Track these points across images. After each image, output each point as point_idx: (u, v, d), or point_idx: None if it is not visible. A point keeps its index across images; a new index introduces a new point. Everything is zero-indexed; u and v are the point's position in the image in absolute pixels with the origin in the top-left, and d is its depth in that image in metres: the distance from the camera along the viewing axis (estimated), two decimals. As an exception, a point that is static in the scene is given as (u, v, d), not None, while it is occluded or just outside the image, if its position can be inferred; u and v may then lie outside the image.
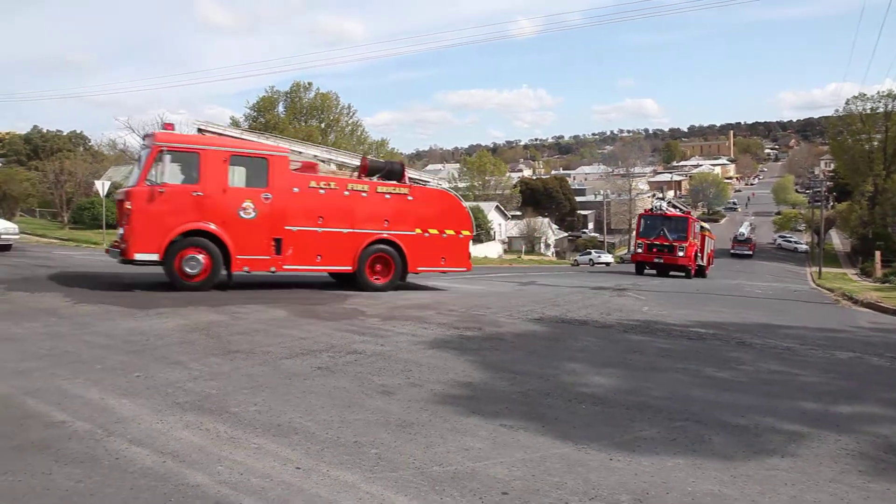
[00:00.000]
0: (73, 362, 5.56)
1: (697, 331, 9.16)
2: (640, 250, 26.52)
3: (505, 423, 4.52)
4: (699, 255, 27.52)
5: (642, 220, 27.27)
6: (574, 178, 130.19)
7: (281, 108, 66.24)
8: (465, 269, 13.22)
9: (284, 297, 10.78)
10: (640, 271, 26.49)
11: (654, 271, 26.33)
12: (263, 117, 63.97)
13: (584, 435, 4.36)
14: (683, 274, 25.40)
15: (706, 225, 33.66)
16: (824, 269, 40.18)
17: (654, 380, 5.98)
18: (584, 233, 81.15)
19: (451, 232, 12.93)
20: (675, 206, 29.04)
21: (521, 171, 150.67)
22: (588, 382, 5.78)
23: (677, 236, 25.66)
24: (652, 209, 27.66)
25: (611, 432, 4.43)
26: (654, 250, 25.90)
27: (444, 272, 13.32)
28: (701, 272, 27.83)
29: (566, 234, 77.01)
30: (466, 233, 13.10)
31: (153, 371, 5.38)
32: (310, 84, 65.99)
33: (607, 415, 4.83)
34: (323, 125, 66.25)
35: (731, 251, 57.01)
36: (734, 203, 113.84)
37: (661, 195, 38.32)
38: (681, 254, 25.37)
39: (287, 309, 9.15)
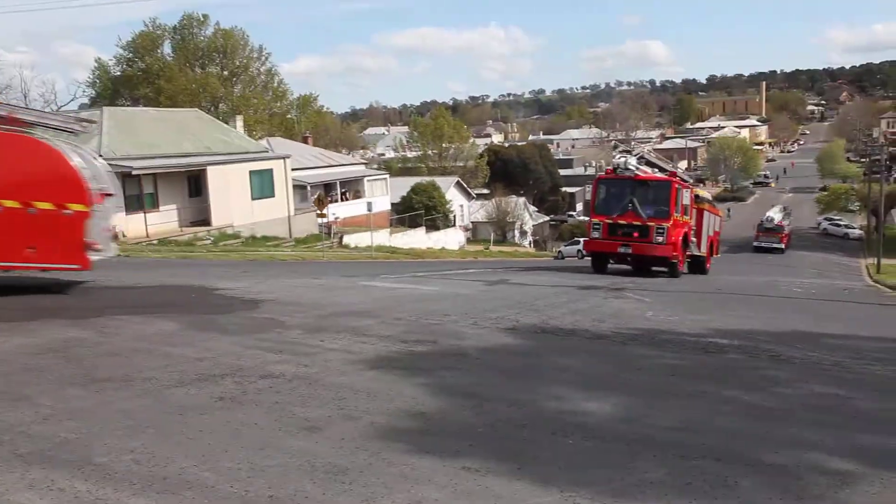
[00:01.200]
0: None
1: (717, 342, 9.30)
2: (596, 234, 22.10)
3: (469, 464, 4.51)
4: (691, 240, 23.81)
5: (600, 188, 22.80)
6: (558, 146, 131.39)
7: (168, 49, 64.85)
8: (76, 266, 10.66)
9: (175, 301, 10.57)
10: (599, 268, 22.68)
11: (626, 266, 22.91)
12: (143, 60, 62.52)
13: (573, 479, 4.37)
14: (666, 270, 21.93)
15: (706, 194, 30.03)
16: (884, 261, 40.48)
17: (661, 406, 6.05)
18: (571, 216, 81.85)
19: (45, 206, 10.26)
20: (651, 165, 24.06)
21: (488, 136, 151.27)
22: (576, 410, 5.81)
23: (655, 211, 21.45)
24: (615, 169, 22.54)
25: (607, 475, 4.46)
26: (619, 234, 21.63)
27: (38, 269, 10.79)
28: (698, 266, 24.82)
29: (547, 219, 77.56)
30: (78, 207, 10.38)
31: (-9, 406, 5.21)
32: (206, 17, 64.73)
33: (602, 452, 4.86)
34: (226, 73, 65.19)
35: (755, 244, 54.80)
36: (766, 176, 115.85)
37: (628, 148, 33.54)
38: (659, 239, 21.19)
39: (178, 320, 8.98)
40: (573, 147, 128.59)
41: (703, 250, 25.62)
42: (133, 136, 34.37)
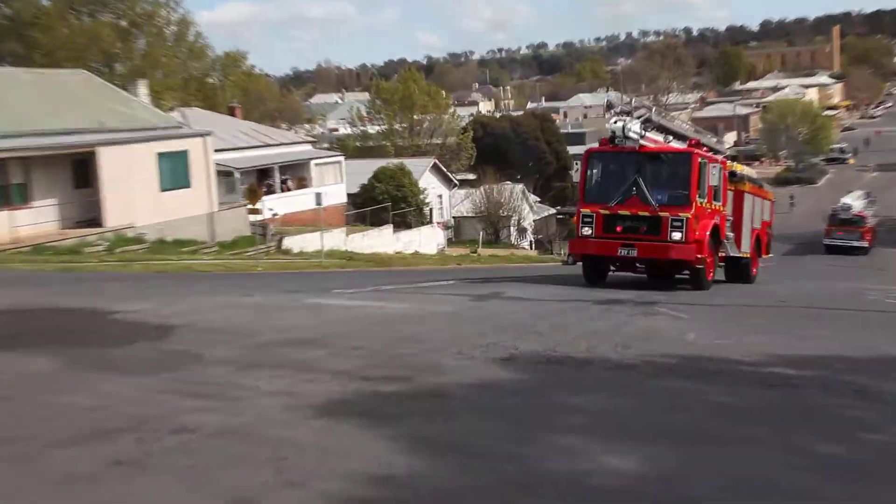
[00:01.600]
0: None
1: (782, 372, 9.30)
2: (587, 231, 20.97)
3: (454, 546, 4.47)
4: (726, 235, 22.67)
5: (592, 165, 22.02)
6: (566, 116, 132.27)
7: (45, -9, 64.25)
8: None
9: (56, 330, 10.47)
10: (594, 278, 21.82)
11: (633, 273, 22.40)
12: (9, 5, 61.84)
13: (594, 562, 4.33)
14: (688, 276, 21.12)
15: (748, 170, 27.98)
16: None
17: (708, 459, 6.04)
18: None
19: None
20: (664, 131, 22.50)
21: (474, 104, 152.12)
22: (596, 468, 5.78)
23: (669, 196, 20.38)
24: (612, 138, 20.97)
25: (639, 555, 4.42)
26: (620, 230, 20.57)
27: None
28: (739, 271, 24.50)
29: (552, 211, 77.79)
30: None
31: None
32: None
33: (632, 524, 4.82)
34: (124, 23, 64.78)
35: (826, 241, 54.27)
36: (842, 150, 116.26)
37: (625, 104, 29.08)
38: (676, 235, 19.84)
39: (60, 355, 8.90)
40: (585, 117, 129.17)
41: (745, 249, 24.62)
42: (-6, 106, 34.00)
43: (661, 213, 19.89)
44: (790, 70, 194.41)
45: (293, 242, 41.89)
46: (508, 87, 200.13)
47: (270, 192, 49.59)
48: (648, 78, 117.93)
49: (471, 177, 74.81)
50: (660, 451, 6.20)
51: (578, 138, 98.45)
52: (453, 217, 68.56)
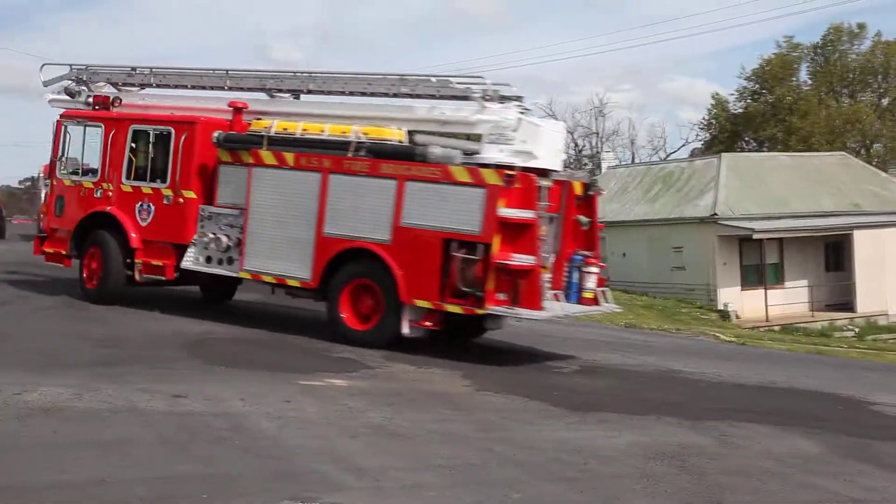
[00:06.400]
0: (478, 483, 6.39)
1: None
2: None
3: None
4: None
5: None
6: None
7: (804, 74, 65.12)
8: None
9: (812, 413, 10.71)
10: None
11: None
12: (771, 92, 63.22)
13: None
14: None
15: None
16: None
17: None
18: None
19: None
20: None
21: None
22: None
23: None
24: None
25: None
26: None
27: None
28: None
29: None
30: None
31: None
32: (862, 28, 63.00)
33: None
34: (885, 101, 63.32)
35: None
36: None
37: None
38: None
39: (819, 438, 9.01)
40: None
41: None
42: (755, 189, 35.41)
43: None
44: None
45: None
46: None
47: None
48: None
49: None
50: None
51: None
52: None
